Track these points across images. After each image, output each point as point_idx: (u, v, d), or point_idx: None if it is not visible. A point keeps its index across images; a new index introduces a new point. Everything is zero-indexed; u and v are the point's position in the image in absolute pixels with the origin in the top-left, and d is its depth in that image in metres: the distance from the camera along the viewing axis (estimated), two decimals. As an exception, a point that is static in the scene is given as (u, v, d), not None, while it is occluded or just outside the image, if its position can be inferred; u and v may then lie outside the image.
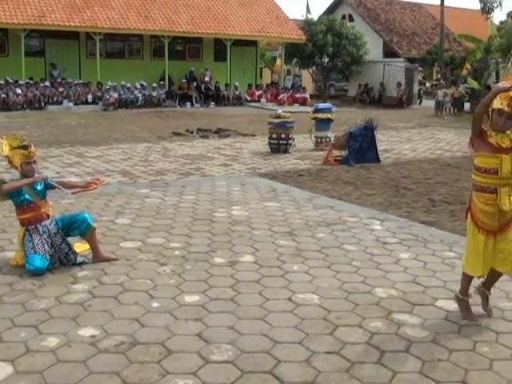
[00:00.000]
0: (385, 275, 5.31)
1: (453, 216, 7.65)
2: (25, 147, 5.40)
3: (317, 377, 3.56)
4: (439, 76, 36.17)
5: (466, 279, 4.48)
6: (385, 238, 6.51)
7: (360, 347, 3.94)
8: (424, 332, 4.18)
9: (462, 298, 4.48)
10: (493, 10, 27.55)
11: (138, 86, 26.77)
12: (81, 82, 26.46)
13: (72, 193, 6.02)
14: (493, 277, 4.50)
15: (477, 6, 27.93)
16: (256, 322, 4.28)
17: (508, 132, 4.16)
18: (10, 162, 5.50)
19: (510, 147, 4.13)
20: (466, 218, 4.44)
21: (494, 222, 4.23)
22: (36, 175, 5.43)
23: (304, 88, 32.66)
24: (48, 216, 5.48)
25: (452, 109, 27.63)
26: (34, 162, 5.45)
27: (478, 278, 4.48)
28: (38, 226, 5.38)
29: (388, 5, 44.31)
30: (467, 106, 28.45)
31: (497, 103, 4.10)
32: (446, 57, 37.56)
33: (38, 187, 5.45)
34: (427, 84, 39.16)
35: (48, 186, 5.56)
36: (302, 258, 5.76)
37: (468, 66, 30.93)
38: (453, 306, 4.63)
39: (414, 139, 16.77)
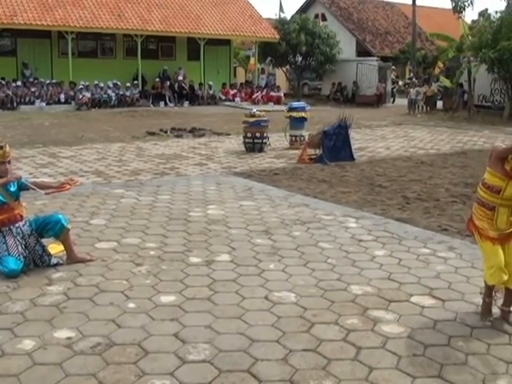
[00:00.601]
0: (360, 272, 5.35)
1: (427, 213, 7.73)
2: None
3: (294, 374, 3.57)
4: (412, 75, 36.46)
5: (488, 287, 4.47)
6: (360, 235, 6.55)
7: (336, 344, 3.96)
8: (400, 328, 4.22)
9: (487, 301, 4.47)
10: (464, 9, 27.77)
11: (111, 86, 26.58)
12: (53, 81, 26.18)
13: (45, 193, 5.97)
14: (509, 292, 4.47)
15: (448, 5, 28.22)
16: (233, 321, 4.28)
17: None
18: None
19: None
20: (469, 231, 4.58)
21: (495, 230, 4.33)
22: (9, 175, 5.37)
23: (278, 87, 32.71)
24: (21, 217, 5.42)
25: (425, 107, 27.89)
26: (9, 162, 5.39)
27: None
28: (11, 227, 5.32)
29: (361, 4, 44.57)
30: (440, 104, 28.75)
31: None
32: (419, 55, 37.94)
33: (12, 188, 5.39)
34: (400, 83, 39.46)
35: (21, 187, 5.50)
36: (279, 256, 5.77)
37: (440, 64, 31.24)
38: (428, 301, 4.70)
39: (387, 137, 16.90)
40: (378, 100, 30.69)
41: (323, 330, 4.15)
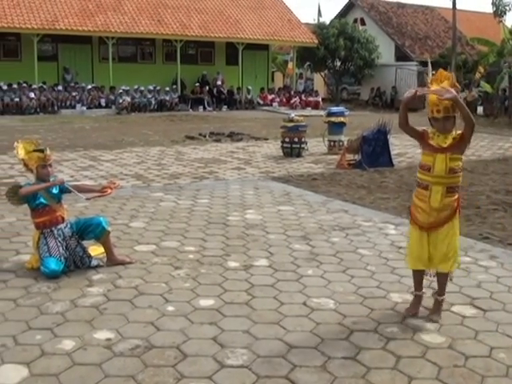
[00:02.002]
0: (400, 280, 5.28)
1: (467, 221, 7.60)
2: (40, 150, 5.44)
3: (333, 382, 3.54)
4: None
5: (414, 275, 4.61)
6: (399, 242, 6.47)
7: (376, 352, 3.92)
8: (440, 338, 4.15)
9: (417, 295, 4.59)
10: (505, 13, 27.36)
11: (151, 90, 26.85)
12: (94, 86, 26.57)
13: (86, 198, 6.04)
14: (439, 280, 4.57)
15: (489, 9, 27.82)
16: (271, 327, 4.27)
17: (453, 132, 4.28)
18: (25, 165, 5.53)
19: (450, 146, 4.24)
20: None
21: (425, 219, 4.37)
22: (52, 179, 5.46)
23: (316, 92, 32.64)
24: (63, 219, 5.50)
25: (465, 112, 27.46)
26: (50, 165, 5.48)
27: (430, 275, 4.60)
28: (53, 229, 5.40)
29: (400, 8, 44.19)
30: (480, 109, 28.30)
31: (429, 112, 4.31)
32: (459, 60, 37.37)
33: (54, 191, 5.48)
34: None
35: (63, 190, 5.58)
36: (317, 262, 5.74)
37: (481, 69, 30.78)
38: (469, 311, 4.61)
39: (427, 143, 16.65)
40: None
41: (362, 338, 4.11)
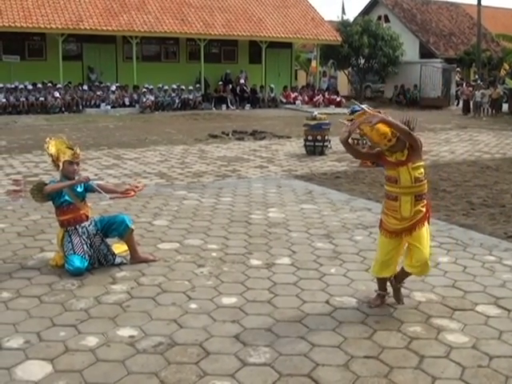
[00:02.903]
0: (424, 279, 5.22)
1: (492, 219, 7.52)
2: (71, 147, 5.50)
3: (355, 381, 3.52)
4: (477, 76, 35.64)
5: (379, 281, 4.69)
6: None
7: (399, 352, 3.89)
8: (464, 337, 4.11)
9: (381, 294, 4.69)
10: (532, 10, 27.05)
11: (175, 89, 26.95)
12: (118, 85, 26.75)
13: (110, 198, 6.09)
14: (403, 274, 4.64)
15: (516, 5, 27.60)
16: (293, 325, 4.26)
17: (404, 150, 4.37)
18: (53, 161, 5.56)
19: (408, 157, 4.36)
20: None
21: (396, 226, 4.44)
22: (76, 177, 5.51)
23: (337, 92, 32.41)
24: (87, 217, 5.55)
25: (490, 110, 27.19)
26: (77, 163, 5.53)
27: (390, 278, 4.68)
28: (77, 227, 5.45)
29: (424, 5, 43.82)
30: (505, 107, 27.97)
31: (382, 148, 4.42)
32: (484, 57, 37.02)
33: (78, 189, 5.52)
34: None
35: (88, 189, 5.63)
36: (340, 260, 5.72)
37: (506, 66, 30.41)
38: (493, 311, 4.57)
39: (452, 141, 16.54)
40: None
41: (385, 337, 4.09)
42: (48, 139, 5.57)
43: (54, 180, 5.65)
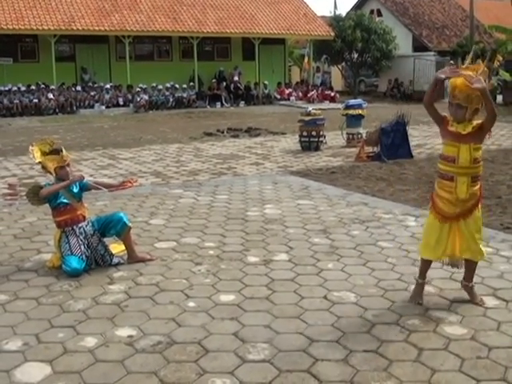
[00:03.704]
0: (421, 272, 5.24)
1: (488, 211, 7.52)
2: (56, 152, 5.47)
3: (355, 375, 3.52)
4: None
5: (423, 263, 4.64)
6: (420, 234, 6.38)
7: (398, 345, 3.89)
8: (463, 329, 4.12)
9: (421, 282, 4.62)
10: (524, 1, 27.07)
11: (169, 87, 26.92)
12: (112, 85, 26.70)
13: (109, 190, 6.07)
14: (468, 267, 4.59)
15: (508, -4, 27.66)
16: (292, 321, 4.26)
17: (473, 122, 4.27)
18: (43, 167, 5.58)
19: (470, 135, 4.25)
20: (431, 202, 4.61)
21: (451, 209, 4.38)
22: (70, 177, 5.49)
23: (331, 87, 32.40)
24: (84, 218, 5.54)
25: (485, 102, 27.17)
26: (68, 165, 5.52)
27: (442, 264, 4.69)
28: (74, 227, 5.44)
29: (416, -2, 43.79)
30: (499, 98, 27.99)
31: (449, 95, 4.30)
32: (477, 49, 37.02)
33: (74, 189, 5.52)
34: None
35: (84, 188, 5.62)
36: (337, 255, 5.72)
37: (500, 57, 30.28)
38: (491, 302, 4.57)
39: (446, 134, 16.52)
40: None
41: (384, 331, 4.09)
42: (30, 147, 5.55)
43: (50, 182, 5.63)
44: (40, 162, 5.50)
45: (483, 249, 4.55)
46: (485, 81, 4.23)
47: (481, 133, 4.31)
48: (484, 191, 8.57)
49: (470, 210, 4.39)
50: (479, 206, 4.45)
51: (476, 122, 4.29)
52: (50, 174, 5.56)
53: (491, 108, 4.17)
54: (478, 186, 4.40)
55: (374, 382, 3.45)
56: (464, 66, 4.44)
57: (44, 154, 5.48)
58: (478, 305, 4.48)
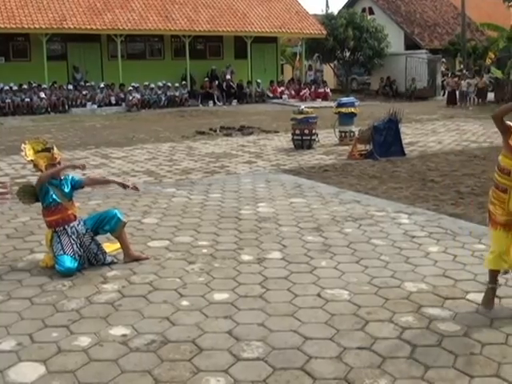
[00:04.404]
0: (414, 269, 5.27)
1: (481, 208, 7.54)
2: (47, 150, 5.47)
3: (349, 372, 3.54)
4: (462, 66, 35.75)
5: (491, 272, 4.50)
6: (413, 231, 6.45)
7: (391, 342, 3.91)
8: (456, 326, 4.14)
9: (492, 286, 4.48)
10: (514, -2, 27.21)
11: (161, 86, 26.86)
12: (104, 84, 26.63)
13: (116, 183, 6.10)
14: None
15: (499, -6, 27.83)
16: (286, 319, 4.27)
17: None
18: (35, 165, 5.57)
19: None
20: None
21: (505, 218, 4.28)
22: (63, 177, 5.49)
23: (325, 82, 32.47)
24: (75, 217, 5.53)
25: (476, 99, 27.29)
26: (59, 163, 5.50)
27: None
28: (65, 227, 5.43)
29: (408, -4, 43.87)
30: (491, 96, 28.09)
31: None
32: (469, 47, 37.14)
33: (66, 189, 5.51)
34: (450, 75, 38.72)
35: (76, 185, 5.61)
36: (330, 253, 5.73)
37: (491, 55, 30.56)
38: (484, 298, 4.59)
39: (439, 131, 16.61)
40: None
41: (378, 328, 4.10)
42: (23, 145, 5.55)
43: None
44: (32, 161, 5.49)
45: None
46: None
47: None
48: (476, 188, 8.70)
49: None
50: None
51: None
52: (42, 172, 5.54)
53: None
54: None
55: (368, 379, 3.46)
56: None
57: (36, 152, 5.48)
58: None
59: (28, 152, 5.48)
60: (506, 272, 4.55)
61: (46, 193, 5.41)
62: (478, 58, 36.50)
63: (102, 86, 26.07)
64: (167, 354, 3.78)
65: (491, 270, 4.49)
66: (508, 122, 4.32)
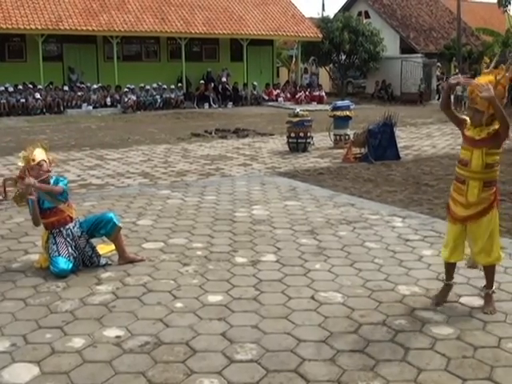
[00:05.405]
0: (408, 272, 5.28)
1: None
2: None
3: (342, 375, 3.55)
4: (457, 71, 35.85)
5: (446, 265, 4.67)
6: (407, 235, 6.47)
7: (384, 345, 3.92)
8: (449, 329, 4.16)
9: (446, 283, 4.67)
10: (510, 3, 27.30)
11: (156, 88, 26.85)
12: (99, 85, 26.61)
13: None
14: (484, 272, 4.63)
15: (494, -1, 27.98)
16: (279, 321, 4.28)
17: (489, 127, 4.29)
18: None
19: (484, 140, 4.28)
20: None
21: (462, 212, 4.42)
22: (53, 179, 5.45)
23: (320, 85, 32.53)
24: (71, 219, 5.53)
25: (471, 104, 27.32)
26: (38, 164, 5.39)
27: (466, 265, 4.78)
28: (61, 229, 5.43)
29: (404, 0, 43.97)
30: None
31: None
32: (464, 51, 37.26)
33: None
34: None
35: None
36: (324, 256, 5.75)
37: (487, 59, 30.44)
38: (477, 302, 4.61)
39: (433, 135, 16.66)
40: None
41: (371, 331, 4.12)
42: (26, 151, 5.45)
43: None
44: (46, 160, 5.43)
45: (497, 253, 4.49)
46: (506, 86, 4.31)
47: (497, 139, 4.30)
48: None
49: (480, 214, 4.38)
50: (493, 210, 4.42)
51: (493, 127, 4.28)
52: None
53: (500, 116, 4.17)
54: (491, 191, 4.39)
55: (361, 382, 3.48)
56: (487, 71, 4.48)
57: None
58: (484, 312, 4.42)
59: (40, 154, 5.43)
60: (474, 266, 4.74)
61: (38, 200, 5.39)
62: (473, 62, 36.61)
63: (95, 87, 26.00)
64: (161, 355, 3.79)
65: (446, 264, 4.65)
66: (461, 116, 4.51)
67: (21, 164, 5.45)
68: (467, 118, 4.44)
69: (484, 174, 4.34)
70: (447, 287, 4.67)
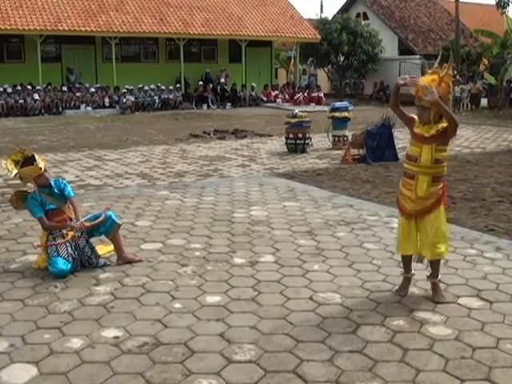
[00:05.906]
0: (406, 273, 5.28)
1: (473, 213, 7.60)
2: (30, 162, 5.36)
3: (340, 376, 3.55)
4: (456, 72, 35.88)
5: (403, 259, 4.83)
6: (405, 235, 6.46)
7: (383, 346, 3.93)
8: (447, 330, 4.16)
9: (405, 276, 4.82)
10: (508, 5, 27.35)
11: (155, 89, 26.85)
12: (98, 86, 26.61)
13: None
14: (431, 264, 4.76)
15: (492, 0, 27.95)
16: (278, 322, 4.28)
17: (438, 125, 4.42)
18: (21, 178, 5.51)
19: (433, 137, 4.41)
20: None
21: (411, 206, 4.57)
22: (52, 181, 5.46)
23: (318, 86, 32.56)
24: (71, 220, 5.52)
25: (469, 105, 27.40)
26: (45, 170, 5.45)
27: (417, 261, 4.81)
28: (61, 229, 5.42)
29: (403, 2, 44.00)
30: (484, 101, 28.21)
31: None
32: (463, 53, 37.29)
33: (57, 192, 5.49)
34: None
35: (63, 193, 5.56)
36: (323, 257, 5.75)
37: (485, 61, 30.69)
38: (475, 303, 4.61)
39: (431, 136, 16.63)
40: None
41: (369, 332, 4.12)
42: (3, 161, 5.45)
43: (35, 193, 5.52)
44: (17, 173, 5.42)
45: (444, 248, 4.62)
46: (450, 84, 4.46)
47: (445, 136, 4.45)
48: (468, 193, 8.73)
49: (429, 209, 4.53)
50: (441, 205, 4.58)
51: (442, 125, 4.42)
52: (30, 182, 5.53)
53: (448, 117, 4.35)
54: (439, 186, 4.55)
55: (359, 382, 3.48)
56: (430, 71, 4.60)
57: (17, 164, 5.39)
58: (436, 302, 4.58)
59: (10, 167, 5.40)
60: (420, 260, 4.81)
61: (41, 203, 5.39)
62: (471, 63, 36.66)
63: (93, 90, 25.98)
64: (159, 356, 3.78)
65: (402, 258, 4.81)
66: (410, 114, 4.64)
67: (12, 172, 5.40)
68: (415, 117, 4.58)
69: (433, 168, 4.48)
70: (406, 280, 4.81)
